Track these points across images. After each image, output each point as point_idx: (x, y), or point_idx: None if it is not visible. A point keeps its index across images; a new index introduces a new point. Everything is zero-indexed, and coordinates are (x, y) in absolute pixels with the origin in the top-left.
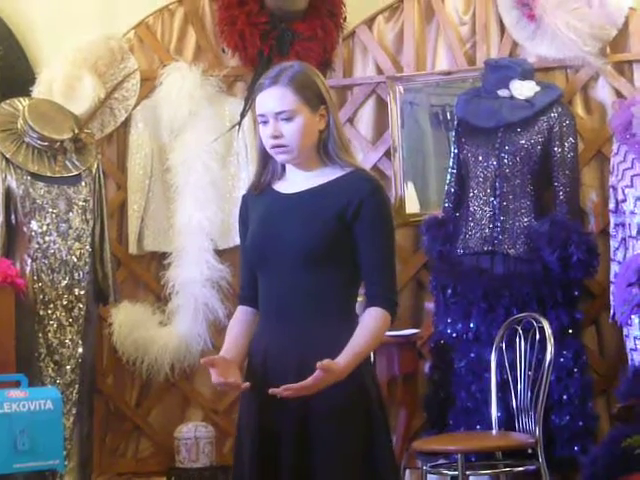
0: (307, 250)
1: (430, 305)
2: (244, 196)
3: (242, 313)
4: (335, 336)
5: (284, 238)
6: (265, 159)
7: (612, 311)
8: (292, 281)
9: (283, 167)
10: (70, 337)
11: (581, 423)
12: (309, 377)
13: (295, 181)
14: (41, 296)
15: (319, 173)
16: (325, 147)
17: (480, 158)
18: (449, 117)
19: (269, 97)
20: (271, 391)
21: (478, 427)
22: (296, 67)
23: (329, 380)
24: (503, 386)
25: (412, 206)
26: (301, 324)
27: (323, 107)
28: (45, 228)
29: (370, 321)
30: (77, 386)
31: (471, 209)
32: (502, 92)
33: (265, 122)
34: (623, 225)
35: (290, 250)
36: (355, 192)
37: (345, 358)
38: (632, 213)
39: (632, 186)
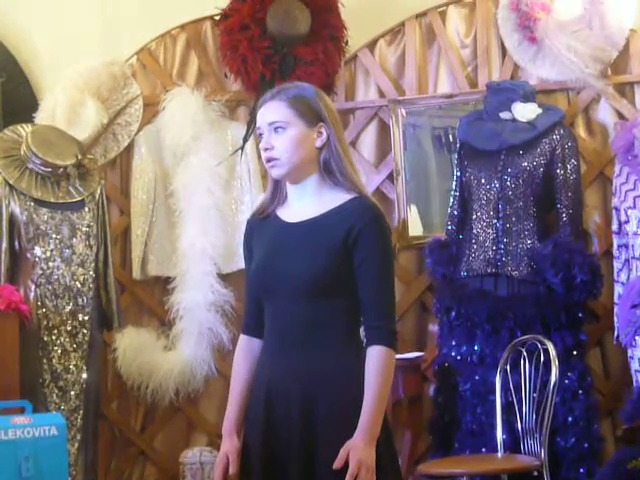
0: (312, 282)
1: (434, 328)
2: (249, 220)
3: (247, 346)
4: (339, 365)
5: (288, 270)
6: (276, 182)
7: (616, 332)
8: (296, 311)
9: (286, 192)
10: (74, 363)
11: (586, 445)
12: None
13: (298, 208)
14: (45, 322)
15: (321, 199)
16: (327, 166)
17: (483, 180)
18: (451, 140)
19: (265, 110)
20: None
21: (483, 450)
22: (296, 85)
23: (364, 454)
24: (508, 408)
25: (415, 229)
26: (304, 354)
27: (321, 124)
28: (49, 254)
29: (375, 367)
30: (82, 412)
31: (474, 231)
32: (504, 115)
33: (261, 135)
34: (626, 246)
35: (294, 282)
36: (356, 220)
37: (362, 429)
38: (635, 234)
39: (635, 207)
